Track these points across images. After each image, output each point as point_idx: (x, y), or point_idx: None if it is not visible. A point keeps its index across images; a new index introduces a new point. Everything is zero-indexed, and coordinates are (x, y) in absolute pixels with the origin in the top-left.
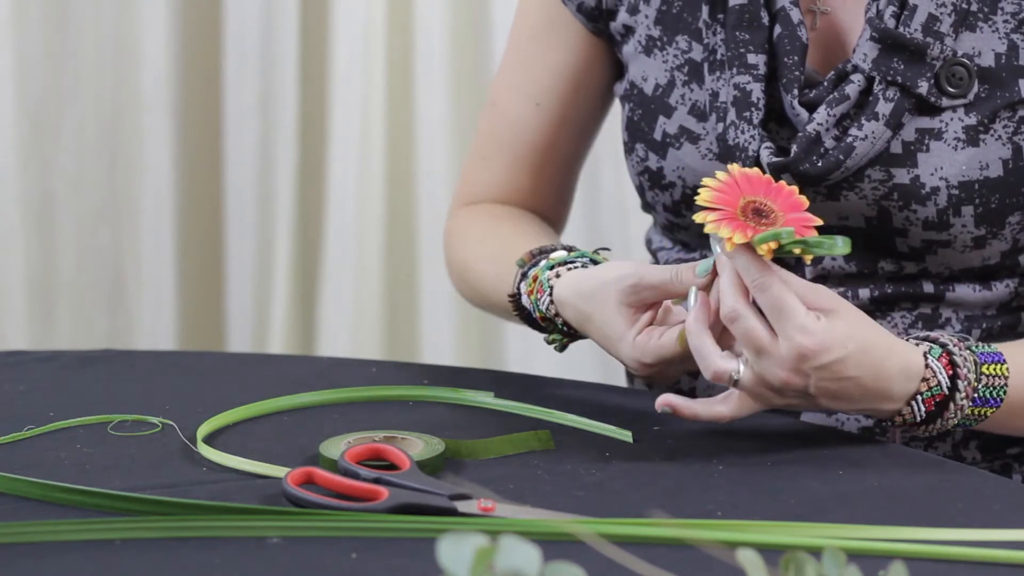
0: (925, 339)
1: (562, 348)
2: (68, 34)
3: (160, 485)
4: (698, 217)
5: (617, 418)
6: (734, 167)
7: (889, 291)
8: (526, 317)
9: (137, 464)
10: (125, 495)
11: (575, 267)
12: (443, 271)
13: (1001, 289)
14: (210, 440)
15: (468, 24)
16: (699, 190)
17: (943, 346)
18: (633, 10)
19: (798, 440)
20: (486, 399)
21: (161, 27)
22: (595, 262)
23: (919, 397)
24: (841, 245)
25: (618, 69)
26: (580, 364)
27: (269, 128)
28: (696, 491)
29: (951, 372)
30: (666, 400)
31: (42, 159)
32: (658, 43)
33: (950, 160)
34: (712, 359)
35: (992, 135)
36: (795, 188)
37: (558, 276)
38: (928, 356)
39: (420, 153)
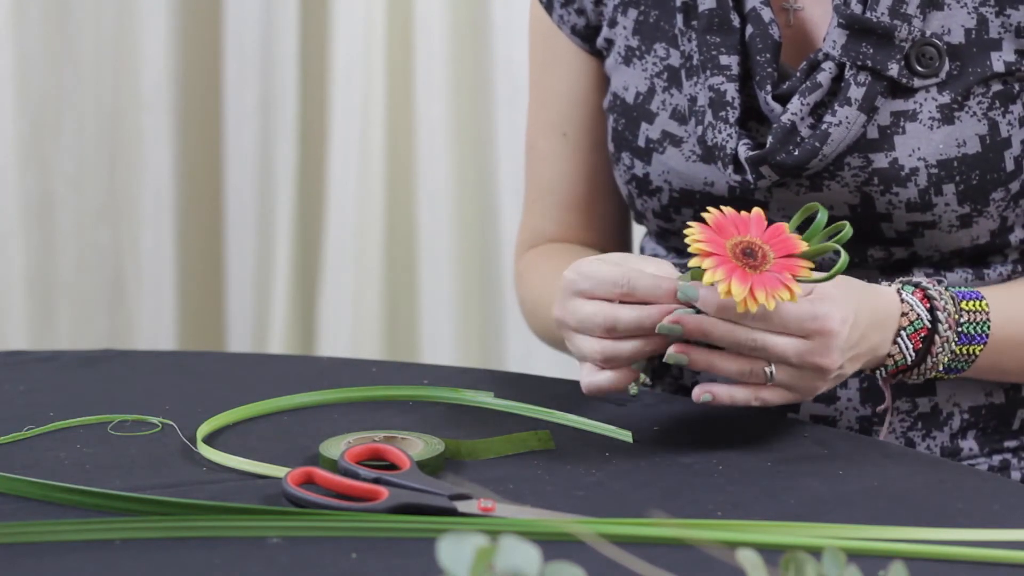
0: (898, 281)
1: None
2: (68, 34)
3: (160, 485)
4: (692, 262)
5: (617, 418)
6: (727, 209)
7: (880, 281)
8: None
9: (137, 464)
10: (125, 495)
11: None
12: (443, 271)
13: (993, 277)
14: (210, 440)
15: (468, 24)
16: (686, 232)
17: (916, 284)
18: (612, 23)
19: (798, 440)
20: (486, 399)
21: (161, 27)
22: None
23: (903, 333)
24: (842, 257)
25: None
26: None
27: (269, 128)
28: (696, 491)
29: (928, 305)
30: (705, 388)
31: (42, 159)
32: (637, 52)
33: (927, 140)
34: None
35: (967, 112)
36: (785, 225)
37: None
38: (901, 292)
39: (420, 153)
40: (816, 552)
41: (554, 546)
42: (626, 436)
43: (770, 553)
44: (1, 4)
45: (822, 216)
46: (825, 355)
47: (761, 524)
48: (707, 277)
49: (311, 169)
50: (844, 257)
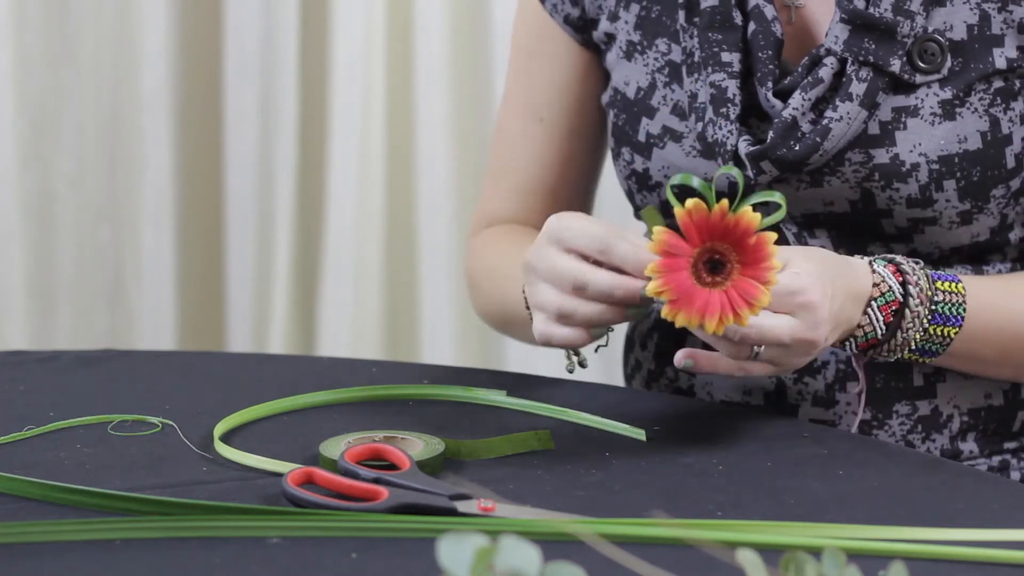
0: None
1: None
2: (68, 34)
3: (160, 485)
4: (649, 290)
5: (617, 418)
6: (691, 203)
7: None
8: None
9: (137, 464)
10: (125, 495)
11: None
12: (443, 271)
13: (993, 275)
14: (209, 440)
15: (468, 24)
16: (652, 237)
17: (889, 259)
18: (613, 17)
19: (798, 440)
20: (499, 397)
21: (161, 27)
22: None
23: (874, 304)
24: (778, 198)
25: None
26: None
27: (269, 128)
28: (696, 491)
29: (900, 279)
30: (687, 352)
31: (42, 159)
32: (638, 47)
33: (928, 136)
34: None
35: (968, 108)
36: (756, 217)
37: None
38: (873, 263)
39: (420, 153)
40: (816, 552)
41: (554, 546)
42: (640, 434)
43: (770, 553)
44: (1, 4)
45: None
46: (813, 329)
47: (761, 524)
48: (666, 314)
49: (311, 169)
50: (783, 206)
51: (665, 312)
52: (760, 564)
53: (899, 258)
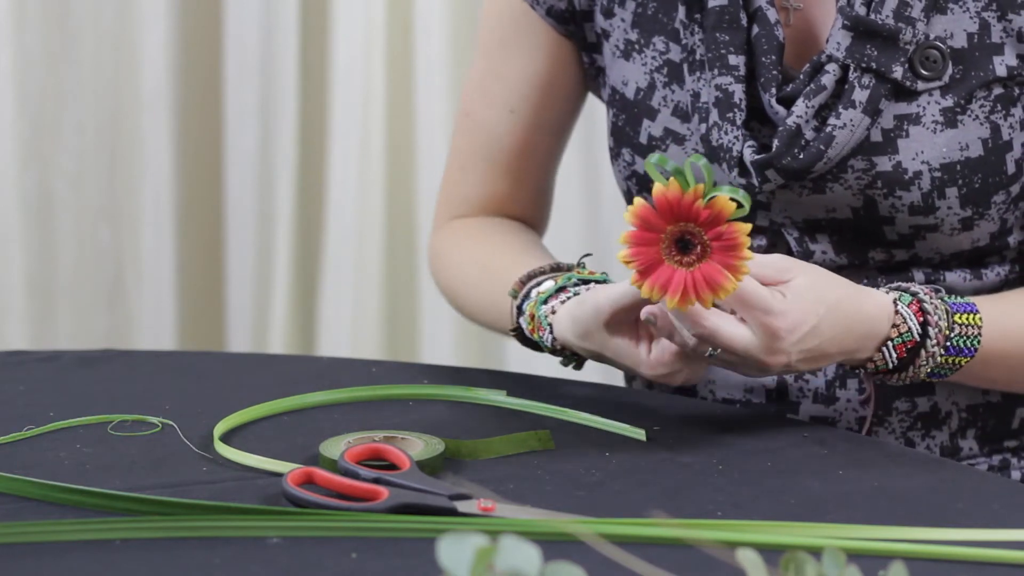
0: (896, 288)
1: (579, 366)
2: (68, 34)
3: (160, 485)
4: (620, 257)
5: (617, 418)
6: (670, 182)
7: (880, 282)
8: (532, 345)
9: (137, 464)
10: (125, 495)
11: (568, 298)
12: None
13: (991, 278)
14: (209, 440)
15: (468, 24)
16: (625, 216)
17: (913, 294)
18: (608, 13)
19: (798, 440)
20: (499, 397)
21: (161, 27)
22: (584, 281)
23: (890, 343)
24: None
25: (591, 70)
26: None
27: (269, 128)
28: (696, 491)
29: (922, 319)
30: (652, 310)
31: (42, 159)
32: (636, 46)
33: (930, 143)
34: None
35: (970, 115)
36: (729, 206)
37: (554, 312)
38: (898, 303)
39: (420, 153)
40: (816, 552)
41: (554, 546)
42: (639, 434)
43: (770, 553)
44: (1, 4)
45: (708, 174)
46: (769, 353)
47: (761, 524)
48: (634, 283)
49: (311, 169)
50: (745, 205)
51: (633, 280)
52: (760, 564)
53: (922, 293)
